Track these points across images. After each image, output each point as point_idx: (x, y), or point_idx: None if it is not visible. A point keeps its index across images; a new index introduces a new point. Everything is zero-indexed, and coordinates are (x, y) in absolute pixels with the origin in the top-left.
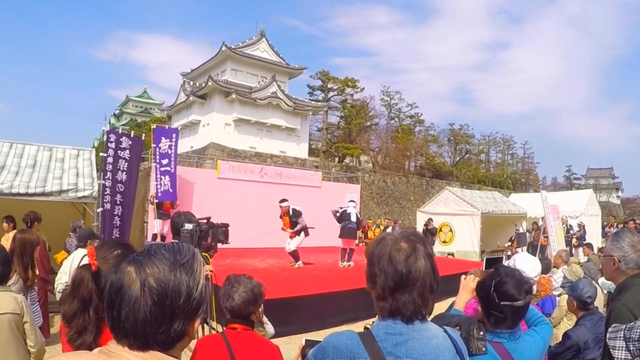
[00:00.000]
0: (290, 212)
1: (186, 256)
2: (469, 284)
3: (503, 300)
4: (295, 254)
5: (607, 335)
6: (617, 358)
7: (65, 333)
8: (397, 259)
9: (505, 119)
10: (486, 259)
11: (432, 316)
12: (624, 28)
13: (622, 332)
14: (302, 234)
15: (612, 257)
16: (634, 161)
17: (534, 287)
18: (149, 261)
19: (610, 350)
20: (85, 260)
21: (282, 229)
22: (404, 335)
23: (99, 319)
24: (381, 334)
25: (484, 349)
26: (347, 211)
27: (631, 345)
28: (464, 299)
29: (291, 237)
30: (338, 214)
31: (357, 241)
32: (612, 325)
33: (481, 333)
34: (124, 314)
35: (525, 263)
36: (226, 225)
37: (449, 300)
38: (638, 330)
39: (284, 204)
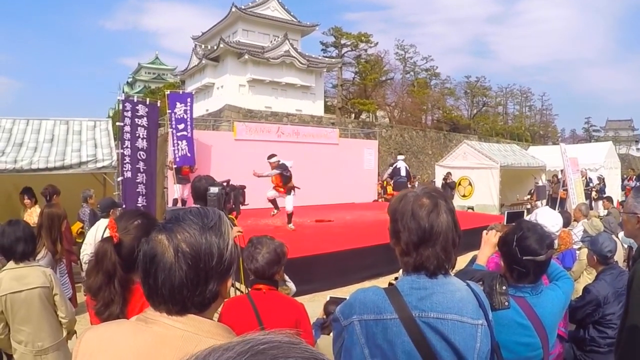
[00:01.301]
0: (278, 170)
1: (213, 219)
2: (490, 239)
3: (525, 255)
4: (290, 216)
5: None
6: None
7: (93, 306)
8: (419, 215)
9: (522, 71)
10: (507, 213)
11: (454, 271)
12: None
13: None
14: (292, 192)
15: (636, 214)
16: None
17: (556, 241)
18: (179, 227)
19: None
20: (101, 231)
21: (276, 189)
22: (428, 290)
23: (124, 290)
24: (406, 288)
25: (506, 303)
26: (397, 166)
27: None
28: (486, 253)
29: (281, 194)
30: (390, 171)
31: None
32: None
33: (504, 288)
34: (160, 281)
35: (547, 217)
36: (243, 187)
37: (470, 254)
38: None
39: (273, 160)
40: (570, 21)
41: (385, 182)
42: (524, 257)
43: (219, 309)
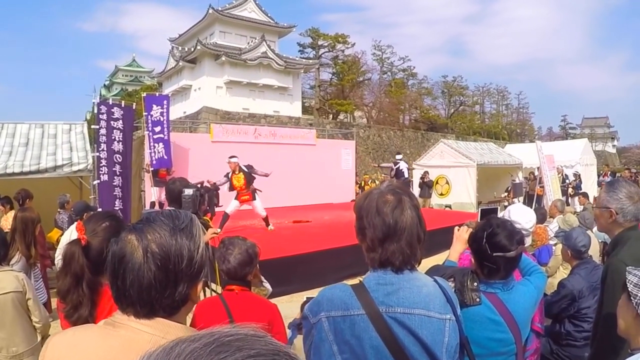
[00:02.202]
0: (245, 169)
1: (184, 221)
2: (462, 235)
3: (495, 251)
4: (267, 218)
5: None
6: (630, 280)
7: (62, 309)
8: (384, 211)
9: (500, 70)
10: (481, 210)
11: (425, 269)
12: None
13: None
14: (256, 195)
15: (609, 209)
16: (629, 110)
17: (529, 238)
18: (149, 228)
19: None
20: (76, 235)
21: (239, 197)
22: (394, 285)
23: (93, 292)
24: (373, 284)
25: (478, 299)
26: (400, 167)
27: None
28: (458, 250)
29: (246, 202)
30: (393, 172)
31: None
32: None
33: (475, 284)
34: (128, 282)
35: (520, 214)
36: (217, 189)
37: (447, 253)
38: None
39: (233, 160)
40: (547, 20)
41: (363, 182)
42: (494, 254)
43: (191, 312)
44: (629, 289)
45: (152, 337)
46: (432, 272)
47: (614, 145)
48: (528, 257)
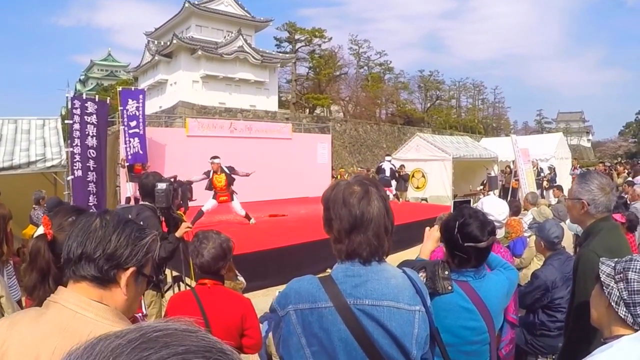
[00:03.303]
0: (226, 170)
1: (146, 236)
2: (433, 234)
3: (467, 241)
4: (247, 214)
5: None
6: (602, 270)
7: (29, 305)
8: (350, 202)
9: (476, 65)
10: (454, 202)
11: (399, 259)
12: None
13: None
14: (234, 196)
15: (581, 200)
16: (604, 105)
17: (502, 230)
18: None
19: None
20: (42, 230)
21: (217, 197)
22: (362, 277)
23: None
24: (340, 276)
25: (450, 287)
26: (382, 167)
27: (618, 265)
28: (429, 248)
29: (225, 202)
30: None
31: (393, 188)
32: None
33: (446, 272)
34: (77, 240)
35: (493, 206)
36: (190, 183)
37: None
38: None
39: (216, 160)
40: (524, 17)
41: (339, 176)
42: (466, 244)
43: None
44: (602, 279)
45: (75, 315)
46: (403, 265)
47: (588, 140)
48: (498, 255)
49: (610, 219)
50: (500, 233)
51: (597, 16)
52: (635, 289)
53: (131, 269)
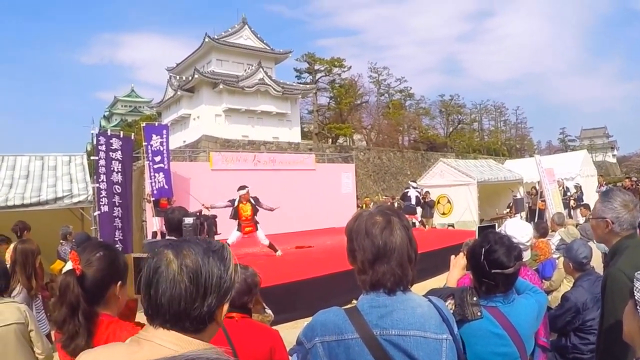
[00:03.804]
0: (252, 201)
1: (216, 245)
2: (459, 261)
3: (493, 268)
4: (272, 245)
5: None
6: (638, 288)
7: (58, 339)
8: (373, 233)
9: (495, 86)
10: (478, 227)
11: (427, 286)
12: None
13: None
14: (258, 225)
15: (605, 219)
16: (627, 118)
17: (527, 252)
18: (185, 246)
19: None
20: (70, 265)
21: (243, 228)
22: (388, 307)
23: (89, 322)
24: (366, 307)
25: (479, 313)
26: (408, 194)
27: None
28: (455, 276)
29: (250, 233)
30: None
31: (419, 215)
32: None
33: (474, 299)
34: (161, 291)
35: (516, 228)
36: (215, 217)
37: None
38: None
39: (244, 191)
40: (539, 34)
41: (364, 205)
42: (493, 270)
43: None
44: (636, 297)
45: (175, 354)
46: (430, 294)
47: (614, 155)
48: (526, 279)
49: (636, 235)
50: (525, 256)
51: (613, 28)
52: None
53: (226, 305)
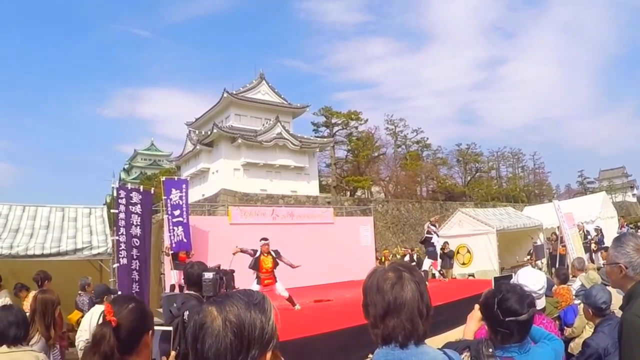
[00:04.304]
0: (273, 254)
1: (257, 298)
2: (474, 314)
3: (507, 316)
4: (291, 298)
5: None
6: None
7: None
8: (384, 289)
9: (512, 133)
10: (494, 278)
11: (447, 338)
12: (616, 27)
13: None
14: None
15: (618, 264)
16: None
17: (541, 300)
18: (228, 301)
19: None
20: (96, 317)
21: (263, 280)
22: None
23: None
24: None
25: None
26: (431, 240)
27: None
28: (472, 329)
29: (270, 285)
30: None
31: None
32: None
33: (490, 350)
34: (207, 345)
35: (528, 277)
36: (232, 271)
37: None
38: None
39: (266, 242)
40: (552, 79)
41: (383, 258)
42: (507, 319)
43: None
44: None
45: None
46: (447, 347)
47: (634, 194)
48: (541, 327)
49: None
50: (539, 304)
51: (625, 68)
52: None
53: (269, 353)
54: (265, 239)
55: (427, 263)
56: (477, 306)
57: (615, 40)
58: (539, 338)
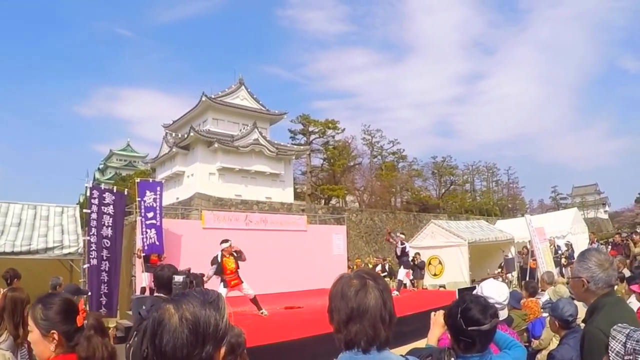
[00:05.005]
0: (235, 254)
1: (212, 296)
2: (438, 319)
3: (470, 325)
4: (257, 301)
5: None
6: (612, 348)
7: None
8: (348, 295)
9: (488, 147)
10: (458, 290)
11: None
12: (594, 47)
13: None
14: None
15: (581, 278)
16: (617, 175)
17: (504, 311)
18: (184, 299)
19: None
20: None
21: (228, 282)
22: None
23: None
24: None
25: None
26: (406, 249)
27: (629, 343)
28: (436, 334)
29: (236, 286)
30: (399, 250)
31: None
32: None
33: (452, 359)
34: (164, 341)
35: (492, 289)
36: (202, 275)
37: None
38: None
39: (227, 244)
40: (530, 95)
41: (355, 266)
42: (469, 328)
43: None
44: (611, 358)
45: None
46: (411, 353)
47: (605, 211)
48: (505, 333)
49: (613, 293)
50: (502, 315)
51: (603, 87)
52: None
53: (223, 348)
54: (227, 240)
55: (402, 273)
56: (440, 312)
57: (592, 59)
58: (503, 344)
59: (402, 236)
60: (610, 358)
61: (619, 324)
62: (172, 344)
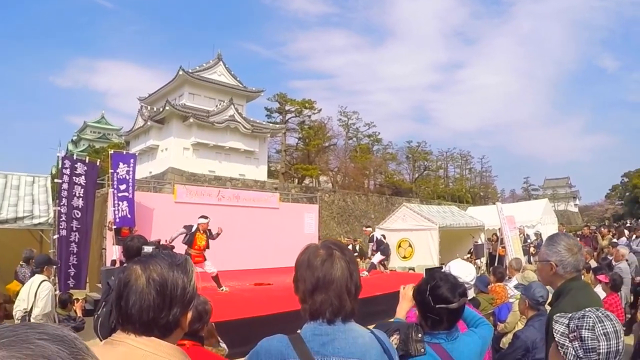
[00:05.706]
0: (207, 233)
1: (180, 259)
2: (407, 293)
3: (438, 303)
4: (218, 279)
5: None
6: (556, 330)
7: None
8: (314, 265)
9: (464, 135)
10: (425, 269)
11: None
12: (574, 43)
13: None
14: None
15: (549, 262)
16: (590, 170)
17: (471, 291)
18: (152, 261)
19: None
20: (35, 286)
21: (194, 259)
22: (329, 336)
23: None
24: (309, 335)
25: (422, 350)
26: (380, 239)
27: (572, 323)
28: (404, 308)
29: (198, 262)
30: (374, 245)
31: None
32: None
33: (419, 335)
34: (131, 302)
35: (460, 268)
36: (172, 247)
37: None
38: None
39: (206, 220)
40: (508, 87)
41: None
42: (437, 305)
43: None
44: (556, 339)
45: (145, 353)
46: (378, 327)
47: (575, 205)
48: (473, 310)
49: (580, 278)
50: (470, 294)
51: (580, 84)
52: (590, 346)
53: (190, 312)
54: (205, 217)
55: (377, 257)
56: (410, 285)
57: (571, 56)
58: (471, 321)
59: (369, 229)
60: (556, 339)
61: (559, 314)
62: (138, 305)
